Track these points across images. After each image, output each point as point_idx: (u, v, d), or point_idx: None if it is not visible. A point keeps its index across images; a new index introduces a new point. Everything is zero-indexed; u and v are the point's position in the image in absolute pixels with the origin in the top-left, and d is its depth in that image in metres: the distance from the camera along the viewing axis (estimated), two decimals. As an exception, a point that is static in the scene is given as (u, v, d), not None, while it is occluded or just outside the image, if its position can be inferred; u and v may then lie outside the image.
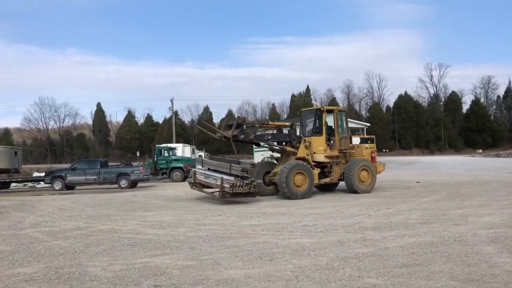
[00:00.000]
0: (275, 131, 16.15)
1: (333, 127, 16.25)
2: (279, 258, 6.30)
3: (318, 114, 16.36)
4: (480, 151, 78.49)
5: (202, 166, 16.34)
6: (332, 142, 16.13)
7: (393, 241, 7.21)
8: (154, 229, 9.30)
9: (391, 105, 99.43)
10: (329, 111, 16.59)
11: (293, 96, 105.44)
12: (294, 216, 10.49)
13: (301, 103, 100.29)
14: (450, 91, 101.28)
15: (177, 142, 56.53)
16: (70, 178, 25.84)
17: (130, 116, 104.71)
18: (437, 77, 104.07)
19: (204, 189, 15.37)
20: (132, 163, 35.10)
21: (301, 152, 15.64)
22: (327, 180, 16.24)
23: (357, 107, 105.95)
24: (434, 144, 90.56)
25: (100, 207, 14.20)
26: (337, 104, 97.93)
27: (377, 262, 5.92)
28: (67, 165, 36.05)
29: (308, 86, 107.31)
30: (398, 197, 14.08)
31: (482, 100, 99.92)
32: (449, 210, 10.60)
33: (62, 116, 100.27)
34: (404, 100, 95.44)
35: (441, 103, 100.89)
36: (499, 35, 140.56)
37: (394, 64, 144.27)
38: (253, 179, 13.99)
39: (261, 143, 16.29)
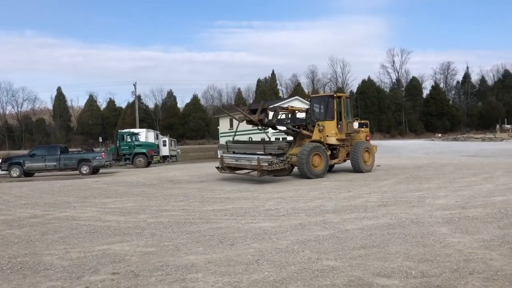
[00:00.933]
0: (289, 115, 17.52)
1: (341, 112, 17.38)
2: (240, 243, 6.31)
3: (331, 100, 17.44)
4: (439, 135, 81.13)
5: (228, 151, 17.00)
6: (340, 126, 17.32)
7: (353, 224, 7.35)
8: (114, 216, 9.13)
9: (355, 90, 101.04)
10: (338, 97, 17.69)
11: (259, 81, 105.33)
12: (257, 201, 10.53)
13: (266, 88, 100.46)
14: (411, 77, 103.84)
15: (140, 127, 55.52)
16: (29, 164, 25.06)
17: (91, 101, 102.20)
18: (399, 63, 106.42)
19: (237, 171, 16.69)
20: (94, 149, 34.30)
21: (316, 135, 16.68)
22: (335, 161, 17.39)
23: (321, 92, 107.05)
24: (395, 128, 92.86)
25: (59, 194, 13.82)
26: (302, 89, 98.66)
27: (336, 244, 6.02)
28: (26, 151, 34.89)
29: (273, 71, 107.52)
30: (359, 180, 14.36)
31: (441, 85, 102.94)
32: (407, 193, 10.90)
33: (20, 100, 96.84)
34: (367, 86, 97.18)
35: (402, 89, 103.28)
36: (459, 22, 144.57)
37: (358, 50, 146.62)
38: (287, 155, 15.50)
39: (280, 127, 17.29)
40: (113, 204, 11.09)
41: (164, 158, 44.12)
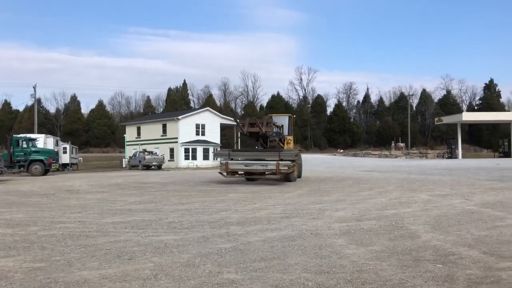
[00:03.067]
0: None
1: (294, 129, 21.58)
2: (139, 257, 6.04)
3: (290, 119, 21.91)
4: (341, 150, 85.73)
5: (230, 158, 18.97)
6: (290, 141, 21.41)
7: (256, 236, 7.40)
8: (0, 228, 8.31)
9: (265, 104, 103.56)
10: (292, 117, 22.54)
11: (169, 90, 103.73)
12: (161, 213, 10.23)
13: (177, 97, 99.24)
14: (316, 94, 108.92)
15: (39, 132, 51.75)
16: None
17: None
18: (306, 81, 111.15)
19: (253, 176, 19.49)
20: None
21: (286, 147, 20.62)
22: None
23: (232, 105, 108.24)
24: (301, 143, 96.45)
25: None
26: (214, 100, 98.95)
27: (238, 256, 5.99)
28: None
29: (185, 81, 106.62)
30: (265, 193, 14.61)
31: (344, 104, 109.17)
32: (309, 205, 11.28)
33: None
34: (276, 101, 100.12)
35: (308, 105, 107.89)
36: (363, 46, 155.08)
37: (269, 66, 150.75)
38: (297, 161, 18.83)
39: (271, 139, 19.75)
40: (0, 215, 10.10)
41: (64, 166, 41.52)
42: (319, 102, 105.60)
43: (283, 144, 20.50)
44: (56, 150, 38.92)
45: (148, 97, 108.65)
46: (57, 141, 42.99)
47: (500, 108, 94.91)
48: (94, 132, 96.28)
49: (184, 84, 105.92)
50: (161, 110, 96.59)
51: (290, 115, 23.30)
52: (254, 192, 14.93)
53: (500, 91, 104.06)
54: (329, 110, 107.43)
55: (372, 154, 69.53)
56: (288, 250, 6.38)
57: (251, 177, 20.00)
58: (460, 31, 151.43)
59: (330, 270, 5.33)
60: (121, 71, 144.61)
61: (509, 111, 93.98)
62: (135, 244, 6.82)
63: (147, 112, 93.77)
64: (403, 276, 5.01)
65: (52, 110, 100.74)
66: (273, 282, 4.87)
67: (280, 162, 17.75)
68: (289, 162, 18.01)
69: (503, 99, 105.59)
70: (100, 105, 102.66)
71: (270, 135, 19.14)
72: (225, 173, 18.99)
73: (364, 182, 18.84)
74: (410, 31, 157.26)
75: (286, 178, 18.55)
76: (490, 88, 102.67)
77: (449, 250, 6.32)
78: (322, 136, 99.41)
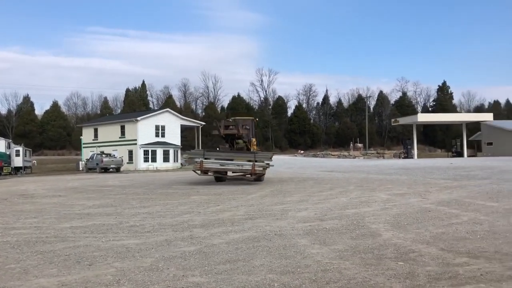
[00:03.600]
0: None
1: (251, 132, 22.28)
2: (100, 262, 5.86)
3: (253, 122, 23.17)
4: (302, 151, 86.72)
5: (204, 157, 19.37)
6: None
7: (220, 238, 7.35)
8: None
9: (226, 105, 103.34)
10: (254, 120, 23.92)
11: (127, 90, 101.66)
12: (121, 217, 9.99)
13: (136, 98, 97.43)
14: (277, 96, 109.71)
15: (-11, 134, 49.46)
16: None
17: None
18: (267, 82, 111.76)
19: (223, 176, 20.70)
20: None
21: (254, 148, 21.89)
22: None
23: (193, 106, 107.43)
24: (262, 144, 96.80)
25: None
26: (174, 101, 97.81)
27: (203, 259, 5.93)
28: None
29: (144, 82, 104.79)
30: (228, 194, 14.56)
31: (304, 105, 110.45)
32: (272, 206, 11.32)
33: None
34: (237, 102, 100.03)
35: (269, 107, 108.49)
36: (322, 48, 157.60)
37: (231, 67, 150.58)
38: (269, 163, 19.56)
39: (244, 140, 21.26)
40: None
41: (17, 169, 39.90)
42: (280, 103, 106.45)
43: (250, 145, 21.55)
44: (7, 153, 37.36)
45: (106, 98, 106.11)
46: (9, 144, 41.28)
47: (453, 109, 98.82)
48: (48, 134, 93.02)
49: (143, 84, 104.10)
50: (119, 111, 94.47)
51: (253, 118, 24.75)
52: (217, 194, 14.85)
53: (452, 93, 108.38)
54: (290, 111, 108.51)
55: (332, 155, 70.72)
56: (253, 251, 6.37)
57: (221, 178, 20.82)
58: (415, 34, 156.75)
59: (295, 270, 5.36)
60: (77, 71, 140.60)
61: (461, 112, 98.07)
62: (95, 249, 6.63)
63: (104, 114, 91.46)
64: (366, 274, 5.11)
65: (3, 111, 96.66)
66: (238, 284, 4.85)
67: (256, 163, 18.89)
68: (264, 163, 19.20)
69: (455, 101, 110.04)
70: (55, 106, 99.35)
71: (244, 137, 20.93)
72: (199, 172, 19.62)
73: (325, 182, 19.12)
74: (367, 34, 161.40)
75: (258, 178, 19.55)
76: (443, 90, 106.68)
77: (409, 247, 6.49)
78: (283, 137, 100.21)
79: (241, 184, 18.52)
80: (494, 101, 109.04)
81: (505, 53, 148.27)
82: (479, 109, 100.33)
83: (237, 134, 20.58)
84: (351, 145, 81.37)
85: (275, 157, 21.86)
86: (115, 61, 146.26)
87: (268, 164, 19.41)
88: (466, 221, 8.60)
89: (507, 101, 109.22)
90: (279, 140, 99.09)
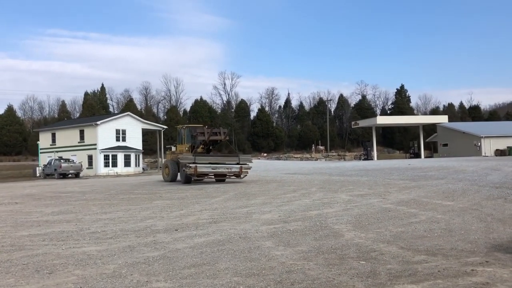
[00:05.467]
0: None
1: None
2: (61, 270, 5.70)
3: (205, 129, 23.87)
4: (265, 154, 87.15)
5: (196, 161, 20.84)
6: None
7: (184, 242, 7.30)
8: None
9: (188, 109, 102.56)
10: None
11: (86, 94, 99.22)
12: (82, 223, 9.74)
13: (95, 102, 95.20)
14: (240, 99, 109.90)
15: None
16: None
17: None
18: (230, 86, 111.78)
19: (216, 178, 22.60)
20: None
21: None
22: None
23: (155, 110, 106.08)
24: (226, 147, 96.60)
25: None
26: (134, 105, 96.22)
27: (167, 264, 5.88)
28: None
29: (103, 85, 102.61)
30: (191, 198, 14.46)
31: (266, 109, 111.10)
32: (236, 209, 11.34)
33: None
34: (199, 105, 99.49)
35: (232, 110, 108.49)
36: (284, 53, 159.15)
37: (194, 71, 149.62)
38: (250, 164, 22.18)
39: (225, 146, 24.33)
40: None
41: (-31, 176, 38.10)
42: (243, 106, 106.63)
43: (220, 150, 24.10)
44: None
45: (63, 101, 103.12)
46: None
47: (410, 112, 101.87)
48: (3, 139, 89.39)
49: (102, 88, 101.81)
50: (78, 115, 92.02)
51: (203, 125, 26.73)
52: (180, 198, 14.72)
53: (409, 96, 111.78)
54: (253, 114, 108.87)
55: (294, 157, 71.45)
56: (218, 255, 6.37)
57: (198, 179, 22.32)
58: (374, 39, 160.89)
59: (260, 272, 5.40)
60: (36, 74, 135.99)
61: (417, 115, 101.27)
62: (55, 257, 6.44)
63: (62, 118, 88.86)
64: (330, 274, 5.21)
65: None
66: (204, 288, 4.84)
67: (243, 165, 21.38)
68: (249, 165, 21.81)
69: (413, 104, 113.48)
70: (10, 110, 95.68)
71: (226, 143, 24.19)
72: (195, 177, 21.32)
73: (288, 184, 19.30)
74: (328, 38, 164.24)
75: (238, 176, 21.79)
76: (401, 94, 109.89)
77: (370, 247, 6.66)
78: (246, 140, 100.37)
79: (205, 188, 18.43)
80: (449, 103, 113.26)
81: (458, 58, 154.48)
82: (435, 111, 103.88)
83: (220, 140, 23.00)
84: (313, 147, 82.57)
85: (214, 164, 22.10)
86: (75, 64, 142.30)
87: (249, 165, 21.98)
88: (424, 220, 8.90)
89: (461, 104, 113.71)
90: (242, 143, 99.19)
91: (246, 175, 22.13)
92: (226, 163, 21.77)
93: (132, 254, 6.53)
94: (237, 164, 21.63)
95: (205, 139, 22.31)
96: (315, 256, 6.15)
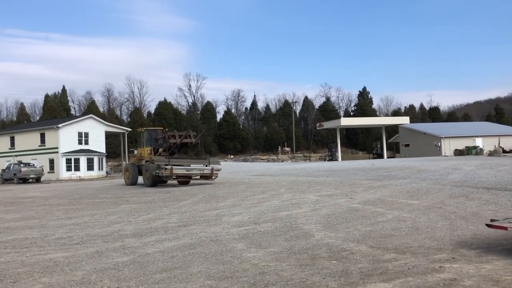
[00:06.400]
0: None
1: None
2: (26, 279, 5.49)
3: (163, 132, 24.09)
4: (232, 156, 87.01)
5: (170, 163, 21.04)
6: None
7: (154, 247, 7.18)
8: None
9: (153, 111, 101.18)
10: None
11: (47, 96, 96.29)
12: (46, 229, 9.43)
13: (56, 104, 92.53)
14: (206, 101, 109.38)
15: None
16: None
17: None
18: (195, 87, 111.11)
19: (180, 180, 22.75)
20: None
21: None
22: None
23: (118, 112, 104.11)
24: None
25: None
26: (97, 107, 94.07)
27: (137, 269, 5.76)
28: None
29: (64, 87, 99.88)
30: (159, 202, 14.25)
31: (233, 111, 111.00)
32: (205, 212, 11.25)
33: None
34: (164, 107, 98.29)
35: (198, 112, 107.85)
36: (251, 55, 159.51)
37: (160, 72, 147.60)
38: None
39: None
40: None
41: None
42: (209, 108, 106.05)
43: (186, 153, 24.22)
44: None
45: (22, 104, 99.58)
46: None
47: (372, 113, 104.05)
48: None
49: (64, 90, 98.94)
50: (38, 118, 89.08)
51: (162, 128, 26.92)
52: (147, 202, 14.48)
53: (372, 98, 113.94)
54: (219, 116, 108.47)
55: (261, 159, 71.66)
56: (189, 258, 6.30)
57: (183, 182, 22.79)
58: (337, 42, 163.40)
59: (233, 275, 5.37)
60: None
61: (380, 116, 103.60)
62: (19, 265, 6.20)
63: (21, 121, 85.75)
64: (303, 275, 5.24)
65: None
66: (177, 292, 4.77)
67: (214, 166, 22.37)
68: (219, 166, 23.02)
69: (375, 105, 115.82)
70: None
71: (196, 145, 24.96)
72: (171, 178, 21.59)
73: (257, 186, 19.32)
74: (293, 41, 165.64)
75: (209, 177, 22.30)
76: (364, 95, 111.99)
77: (340, 246, 6.75)
78: (213, 142, 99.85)
79: (172, 191, 18.20)
80: (410, 105, 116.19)
81: (418, 62, 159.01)
82: (396, 113, 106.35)
83: (190, 143, 23.45)
84: (279, 149, 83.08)
85: (188, 166, 22.09)
86: (36, 65, 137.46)
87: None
88: (391, 219, 9.10)
89: (421, 105, 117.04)
90: (209, 145, 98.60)
91: (216, 177, 22.51)
92: (199, 165, 22.32)
93: (100, 260, 6.36)
94: (208, 166, 22.23)
95: (176, 141, 22.44)
96: (287, 257, 6.17)
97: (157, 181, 21.92)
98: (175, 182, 23.06)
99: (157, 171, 21.01)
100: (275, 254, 6.39)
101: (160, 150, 23.54)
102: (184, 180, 22.93)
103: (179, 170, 21.36)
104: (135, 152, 26.95)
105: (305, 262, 5.84)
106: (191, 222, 9.69)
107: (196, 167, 22.18)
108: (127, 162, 27.94)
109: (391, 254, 6.12)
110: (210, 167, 22.18)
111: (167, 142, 22.87)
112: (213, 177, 22.23)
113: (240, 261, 6.05)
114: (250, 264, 5.84)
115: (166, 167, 20.81)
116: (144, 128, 26.45)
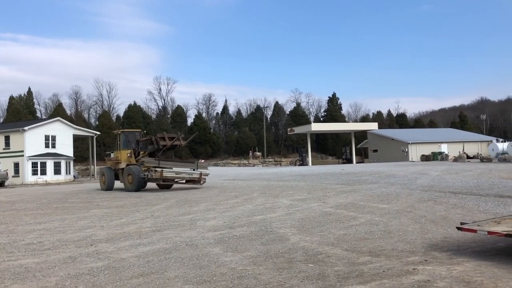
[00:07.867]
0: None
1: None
2: (-4, 286, 5.33)
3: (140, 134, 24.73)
4: (202, 161, 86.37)
5: (160, 166, 21.02)
6: None
7: (128, 252, 7.08)
8: None
9: (122, 114, 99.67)
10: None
11: (11, 98, 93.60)
12: (15, 234, 9.16)
13: (21, 106, 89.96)
14: (176, 105, 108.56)
15: None
16: None
17: None
18: (165, 91, 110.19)
19: (161, 184, 22.42)
20: None
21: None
22: None
23: (86, 115, 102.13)
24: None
25: None
26: (64, 110, 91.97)
27: (113, 275, 5.68)
28: None
29: (30, 89, 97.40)
30: (131, 206, 14.05)
31: (204, 115, 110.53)
32: (179, 216, 11.17)
33: None
34: (133, 110, 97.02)
35: (168, 116, 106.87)
36: (223, 60, 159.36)
37: (130, 76, 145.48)
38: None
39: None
40: None
41: None
42: (179, 112, 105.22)
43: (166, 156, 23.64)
44: None
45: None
46: None
47: (342, 119, 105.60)
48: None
49: (29, 92, 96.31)
50: (2, 121, 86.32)
51: (140, 130, 26.55)
52: (119, 206, 14.25)
53: (341, 104, 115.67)
54: (190, 120, 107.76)
55: (232, 163, 71.64)
56: (165, 263, 6.25)
57: (166, 185, 22.59)
58: (308, 49, 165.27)
59: (211, 279, 5.37)
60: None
61: (349, 122, 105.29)
62: (-12, 272, 6.00)
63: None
64: (281, 278, 5.29)
65: None
66: (156, 297, 4.73)
67: (202, 170, 22.23)
68: (207, 171, 22.81)
69: (344, 111, 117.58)
70: None
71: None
72: (161, 181, 21.40)
73: (230, 190, 19.30)
74: (264, 46, 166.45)
75: (197, 181, 22.17)
76: (333, 101, 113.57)
77: (316, 250, 6.84)
78: (184, 147, 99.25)
79: (144, 195, 17.96)
80: (378, 111, 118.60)
81: (386, 69, 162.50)
82: (365, 119, 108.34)
83: (179, 146, 23.48)
84: (251, 153, 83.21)
85: (177, 169, 21.79)
86: (1, 67, 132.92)
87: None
88: (363, 223, 9.28)
89: (389, 112, 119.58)
90: (179, 149, 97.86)
91: (204, 182, 22.34)
92: (187, 169, 22.28)
93: (74, 265, 6.24)
94: (196, 170, 22.18)
95: (167, 144, 22.20)
96: (264, 261, 6.21)
97: (142, 186, 21.44)
98: (154, 185, 22.66)
99: (146, 174, 20.55)
100: (252, 258, 6.41)
101: (141, 152, 22.72)
102: (166, 184, 22.52)
103: (168, 173, 21.18)
104: (112, 155, 25.70)
105: (282, 266, 5.89)
106: (165, 226, 9.61)
107: (185, 171, 22.02)
108: (102, 166, 27.09)
109: (366, 257, 6.25)
110: (199, 172, 21.98)
111: (154, 144, 22.44)
112: (202, 182, 21.97)
113: (217, 265, 6.05)
114: (227, 268, 5.85)
115: (157, 169, 20.54)
116: (121, 130, 25.26)
